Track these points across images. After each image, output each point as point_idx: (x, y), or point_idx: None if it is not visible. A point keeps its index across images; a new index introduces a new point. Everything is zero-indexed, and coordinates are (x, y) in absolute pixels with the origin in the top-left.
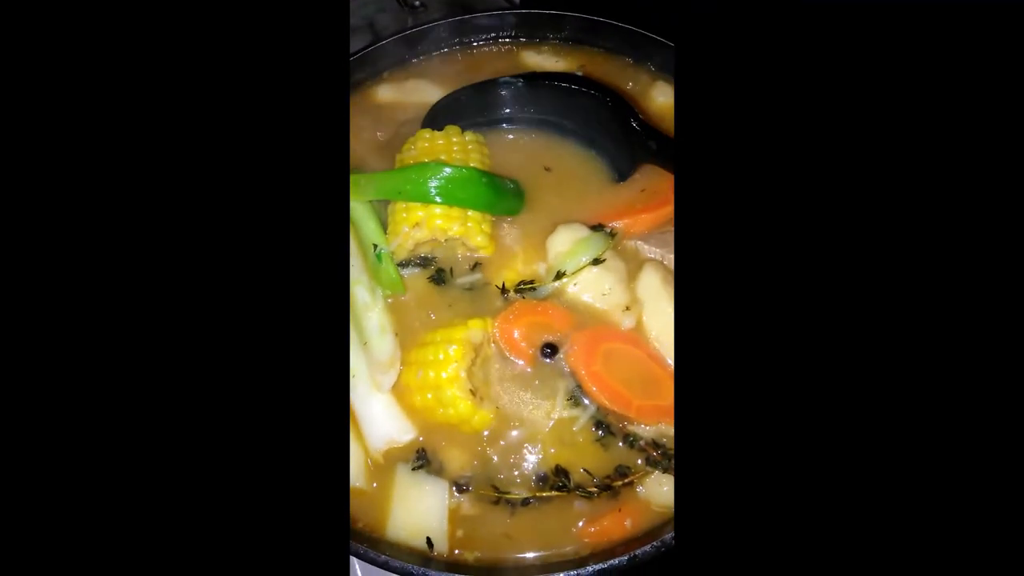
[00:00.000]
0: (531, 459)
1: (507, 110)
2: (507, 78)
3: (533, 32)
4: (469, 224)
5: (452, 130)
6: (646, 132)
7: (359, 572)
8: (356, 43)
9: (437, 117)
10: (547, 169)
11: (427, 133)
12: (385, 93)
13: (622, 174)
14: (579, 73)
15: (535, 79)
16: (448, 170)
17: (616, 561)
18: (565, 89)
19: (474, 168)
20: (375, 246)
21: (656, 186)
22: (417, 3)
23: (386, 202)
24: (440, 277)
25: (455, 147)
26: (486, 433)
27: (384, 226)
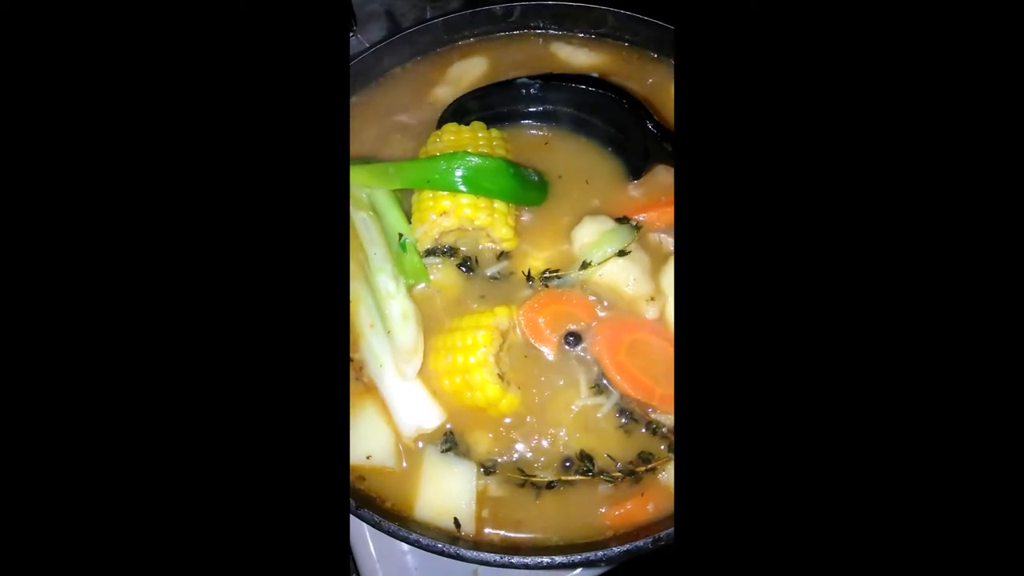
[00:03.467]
0: (556, 444)
1: (527, 108)
2: (525, 79)
3: (561, 23)
4: (495, 216)
5: (478, 125)
6: (662, 134)
7: (372, 549)
8: (374, 30)
9: (456, 114)
10: (545, 144)
11: (453, 127)
12: (409, 81)
13: (637, 172)
14: (595, 75)
15: (553, 80)
16: (476, 159)
17: (641, 543)
18: (582, 91)
19: (501, 159)
20: (400, 235)
21: (662, 186)
22: None
23: (410, 192)
24: (468, 265)
25: (481, 141)
26: (509, 419)
27: (407, 215)
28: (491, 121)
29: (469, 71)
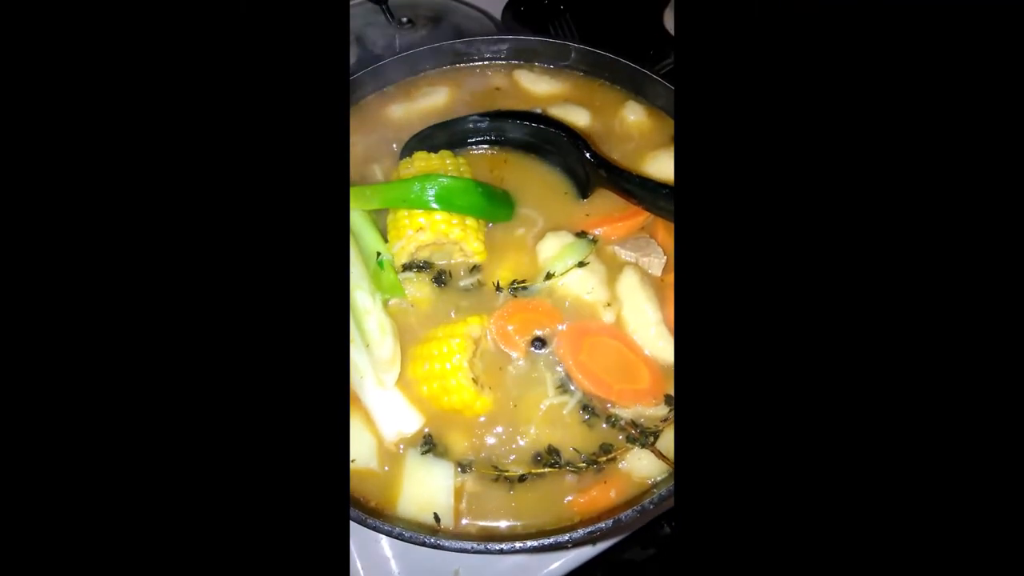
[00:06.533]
0: (526, 440)
1: (488, 137)
2: (477, 116)
3: (521, 55)
4: (468, 231)
5: (445, 153)
6: (597, 162)
7: (356, 558)
8: None
9: (421, 143)
10: (505, 162)
11: (423, 154)
12: (381, 110)
13: (584, 194)
14: (539, 111)
15: (502, 117)
16: (447, 180)
17: (603, 524)
18: (530, 126)
19: (470, 179)
20: (378, 254)
21: (615, 202)
22: (404, 19)
23: (384, 213)
24: (441, 279)
25: (449, 166)
26: (483, 418)
27: (383, 235)
28: (454, 149)
29: (434, 99)
